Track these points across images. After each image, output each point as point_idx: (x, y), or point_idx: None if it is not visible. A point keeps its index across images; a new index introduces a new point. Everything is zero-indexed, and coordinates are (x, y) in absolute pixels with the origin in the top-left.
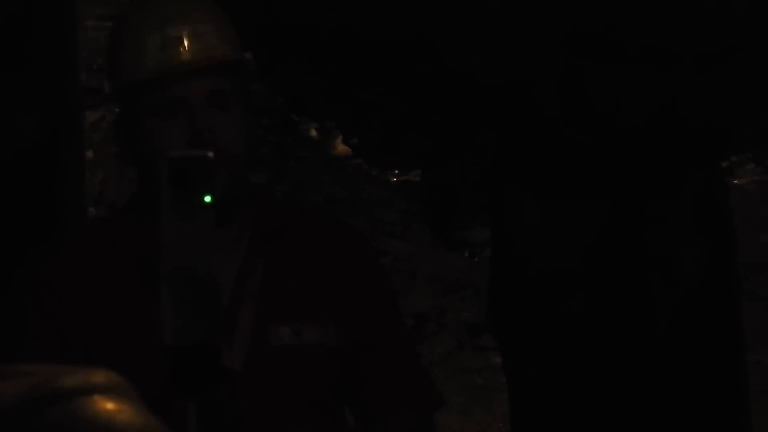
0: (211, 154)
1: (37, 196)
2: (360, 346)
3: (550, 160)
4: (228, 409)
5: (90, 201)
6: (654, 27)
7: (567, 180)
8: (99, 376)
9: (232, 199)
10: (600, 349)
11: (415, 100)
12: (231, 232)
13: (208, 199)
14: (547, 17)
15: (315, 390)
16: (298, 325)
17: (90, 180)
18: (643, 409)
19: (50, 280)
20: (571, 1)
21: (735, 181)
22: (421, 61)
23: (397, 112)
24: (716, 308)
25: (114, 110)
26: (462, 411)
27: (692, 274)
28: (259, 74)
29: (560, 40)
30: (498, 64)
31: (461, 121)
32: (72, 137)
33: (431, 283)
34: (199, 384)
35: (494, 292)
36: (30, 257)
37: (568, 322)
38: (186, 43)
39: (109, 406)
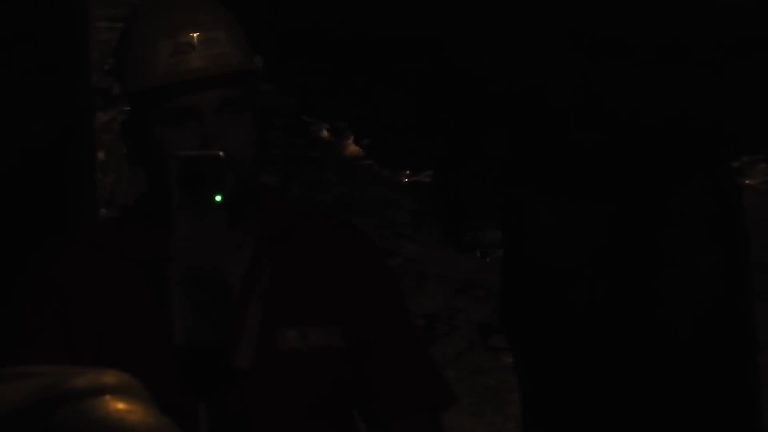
0: (221, 153)
1: (49, 198)
2: (367, 348)
3: (562, 161)
4: (235, 411)
5: (101, 202)
6: (665, 28)
7: (579, 181)
8: (110, 377)
9: (241, 204)
10: (612, 350)
11: (427, 101)
12: (238, 235)
13: (219, 198)
14: (559, 19)
15: (322, 392)
16: (304, 328)
17: (101, 181)
18: (656, 410)
19: (56, 280)
20: (583, 3)
21: (747, 182)
22: (432, 63)
23: (408, 114)
24: (729, 309)
25: (125, 111)
26: (473, 412)
27: (704, 275)
28: (270, 76)
29: (572, 41)
30: (510, 66)
31: (473, 123)
32: (83, 138)
33: (442, 284)
34: (210, 383)
35: (506, 293)
36: (37, 257)
37: (580, 323)
38: (198, 50)
39: (120, 406)
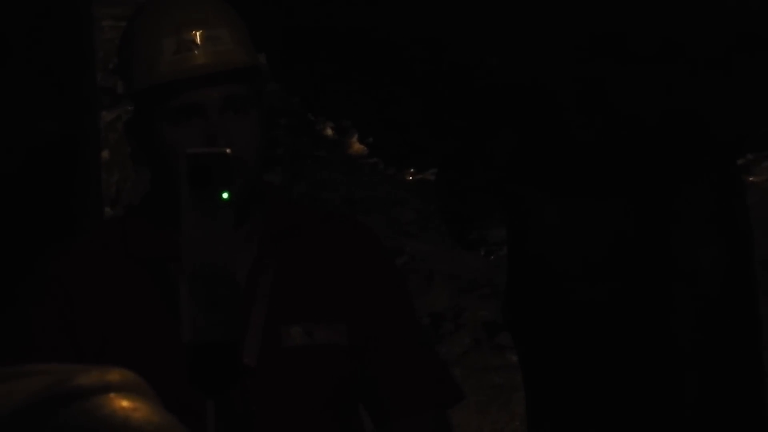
0: (229, 150)
1: (54, 197)
2: (373, 346)
3: (569, 160)
4: (241, 409)
5: (106, 201)
6: (670, 26)
7: (585, 180)
8: (115, 375)
9: (246, 202)
10: (618, 348)
11: (432, 99)
12: (242, 233)
13: (226, 195)
14: (567, 18)
15: (327, 390)
16: (309, 325)
17: (106, 180)
18: (662, 407)
19: (62, 279)
20: (591, 3)
21: (751, 179)
22: (437, 61)
23: (413, 112)
24: (734, 306)
25: (130, 110)
26: (479, 410)
27: (710, 272)
28: (274, 74)
29: (579, 40)
30: (516, 64)
31: (479, 122)
32: (88, 138)
33: (448, 283)
34: (219, 381)
35: (512, 292)
36: (43, 257)
37: (586, 321)
38: (201, 47)
39: (125, 404)
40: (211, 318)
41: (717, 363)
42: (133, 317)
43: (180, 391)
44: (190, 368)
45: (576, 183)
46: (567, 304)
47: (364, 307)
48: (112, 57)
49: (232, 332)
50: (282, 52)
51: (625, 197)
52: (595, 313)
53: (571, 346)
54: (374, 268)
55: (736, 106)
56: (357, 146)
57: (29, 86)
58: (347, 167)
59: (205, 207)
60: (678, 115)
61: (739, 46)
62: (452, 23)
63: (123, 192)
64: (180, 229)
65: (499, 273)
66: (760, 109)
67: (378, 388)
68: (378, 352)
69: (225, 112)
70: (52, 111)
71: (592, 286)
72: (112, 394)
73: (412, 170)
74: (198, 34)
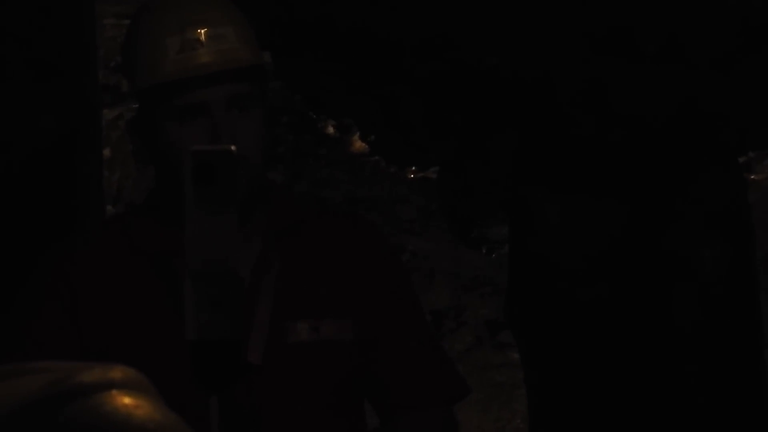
0: (233, 147)
1: (56, 195)
2: (378, 341)
3: (571, 158)
4: (246, 405)
5: (108, 199)
6: (673, 24)
7: (587, 179)
8: (117, 372)
9: (250, 200)
10: (620, 346)
11: (434, 97)
12: (247, 229)
13: (228, 193)
14: (568, 17)
15: (333, 385)
16: (315, 321)
17: (108, 178)
18: (663, 405)
19: (67, 275)
20: (592, 1)
21: (753, 177)
22: (440, 59)
23: (415, 110)
24: (735, 304)
25: (132, 108)
26: (481, 408)
27: (711, 270)
28: (276, 72)
29: (580, 39)
30: (518, 62)
31: (481, 120)
32: (90, 135)
33: (450, 280)
34: (223, 378)
35: (514, 289)
36: (48, 253)
37: (588, 319)
38: (206, 46)
39: (127, 401)
40: (215, 316)
41: (719, 361)
42: (138, 313)
43: (184, 386)
44: (194, 366)
45: (578, 181)
46: (569, 302)
47: (370, 302)
48: (113, 55)
49: (236, 330)
50: (284, 50)
51: (627, 196)
52: (597, 312)
53: (572, 343)
54: (379, 263)
55: (738, 104)
56: (358, 144)
57: (31, 84)
58: (349, 165)
59: (209, 204)
60: (680, 114)
61: (740, 44)
62: (454, 22)
63: (124, 190)
64: (184, 226)
65: (501, 271)
66: (762, 107)
67: (384, 383)
68: (384, 348)
69: (229, 110)
70: (54, 109)
71: (594, 284)
72: (114, 391)
73: (413, 168)
74: (202, 32)
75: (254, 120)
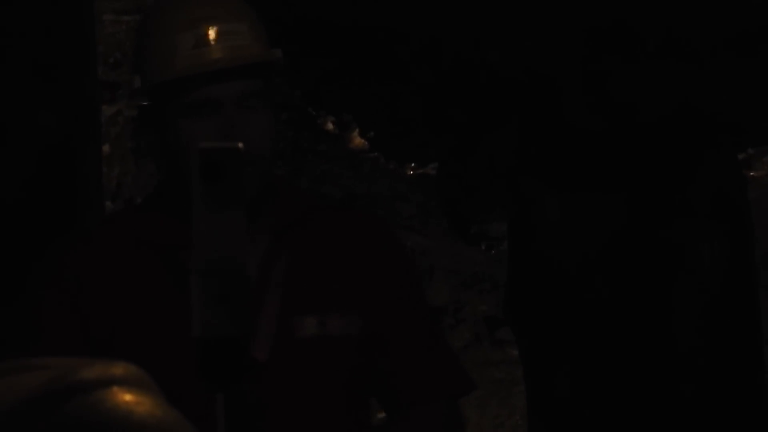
0: (241, 145)
1: (56, 191)
2: (385, 336)
3: (571, 154)
4: (253, 399)
5: (107, 195)
6: (673, 22)
7: (587, 175)
8: (118, 368)
9: (260, 196)
10: (619, 342)
11: (433, 93)
12: (255, 225)
13: (235, 190)
14: (568, 13)
15: (339, 380)
16: (323, 316)
17: (107, 174)
18: (662, 401)
19: (73, 268)
20: None
21: (752, 174)
22: (439, 55)
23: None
24: (734, 300)
25: (132, 105)
26: (479, 404)
27: (710, 266)
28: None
29: (581, 35)
30: (518, 59)
31: (481, 116)
32: (89, 132)
33: (449, 277)
34: (228, 375)
35: (513, 286)
36: (54, 245)
37: (587, 316)
38: (218, 42)
39: (128, 398)
40: (221, 312)
41: (718, 357)
42: (143, 306)
43: (190, 380)
44: (200, 362)
45: (578, 177)
46: (568, 298)
47: (377, 297)
48: (112, 51)
49: (242, 327)
50: (283, 46)
51: (627, 191)
52: (596, 308)
53: (571, 340)
54: (387, 258)
55: (737, 100)
56: (358, 141)
57: (31, 80)
58: (348, 162)
59: (216, 201)
60: (679, 110)
61: (740, 40)
62: (454, 18)
63: (124, 186)
64: (191, 221)
65: (500, 268)
66: (761, 104)
67: (390, 378)
68: (390, 343)
69: (240, 107)
70: (54, 105)
71: (594, 280)
72: (115, 388)
73: (413, 165)
74: (215, 29)
75: (265, 116)
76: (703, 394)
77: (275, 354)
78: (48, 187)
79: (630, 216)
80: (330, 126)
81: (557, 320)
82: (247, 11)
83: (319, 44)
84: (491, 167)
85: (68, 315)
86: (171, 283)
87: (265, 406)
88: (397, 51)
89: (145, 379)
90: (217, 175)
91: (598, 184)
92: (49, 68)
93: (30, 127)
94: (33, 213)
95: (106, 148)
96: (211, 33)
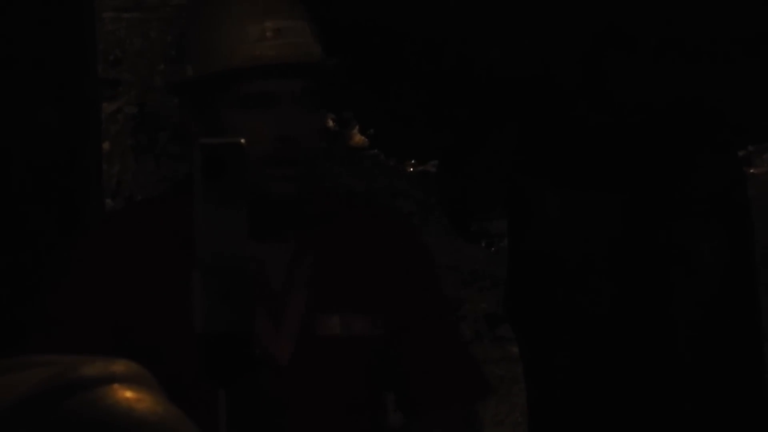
0: (242, 140)
1: (56, 189)
2: (406, 337)
3: (572, 152)
4: (273, 399)
5: (107, 193)
6: (674, 19)
7: (588, 173)
8: (118, 366)
9: (307, 197)
10: (618, 341)
11: (433, 90)
12: (287, 223)
13: (237, 186)
14: (569, 10)
15: (359, 380)
16: (346, 316)
17: (107, 172)
18: (663, 401)
19: (97, 255)
20: None
21: (752, 171)
22: (439, 52)
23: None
24: (735, 299)
25: (131, 103)
26: None
27: (711, 265)
28: None
29: (581, 32)
30: (518, 56)
31: (481, 113)
32: (90, 129)
33: (449, 274)
34: (231, 372)
35: (513, 284)
36: (79, 234)
37: (587, 315)
38: (283, 37)
39: (129, 395)
40: (223, 309)
41: (718, 355)
42: (166, 294)
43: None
44: (202, 359)
45: (578, 175)
46: (567, 296)
47: (401, 299)
48: (113, 49)
49: (245, 323)
50: None
51: (627, 190)
52: (596, 306)
53: (571, 338)
54: (411, 259)
55: (738, 98)
56: (358, 138)
57: (31, 78)
58: (348, 159)
59: (219, 197)
60: (680, 107)
61: (741, 37)
62: (453, 15)
63: (124, 183)
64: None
65: (500, 265)
66: (761, 101)
67: (409, 379)
68: (410, 344)
69: (296, 105)
70: (54, 103)
71: (594, 278)
72: (115, 385)
73: (413, 162)
74: (279, 23)
75: (317, 117)
76: (704, 392)
77: (297, 353)
78: (48, 184)
79: (630, 214)
80: (330, 123)
81: (557, 318)
82: (306, 11)
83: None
84: (491, 165)
85: (92, 303)
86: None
87: (285, 405)
88: (397, 48)
89: (146, 376)
90: (219, 172)
91: (598, 182)
92: (49, 65)
93: (30, 125)
94: (33, 210)
95: (105, 145)
96: (276, 27)
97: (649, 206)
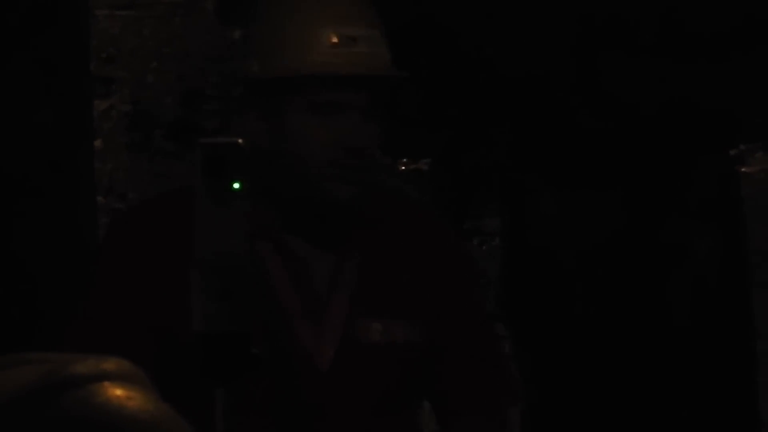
0: (241, 141)
1: (48, 186)
2: (442, 343)
3: (567, 150)
4: (311, 404)
5: (99, 190)
6: (667, 17)
7: (582, 171)
8: (110, 364)
9: (361, 205)
10: (612, 338)
11: (426, 89)
12: (340, 229)
13: (237, 185)
14: (564, 7)
15: (397, 386)
16: (388, 322)
17: (99, 169)
18: (655, 397)
19: (126, 253)
20: None
21: (744, 170)
22: (433, 50)
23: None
24: (728, 297)
25: (125, 101)
26: None
27: (704, 263)
28: None
29: (576, 30)
30: (514, 52)
31: (475, 112)
32: (82, 127)
33: None
34: (229, 371)
35: (508, 282)
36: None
37: (581, 312)
38: (359, 45)
39: (120, 392)
40: (222, 308)
41: (711, 353)
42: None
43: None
44: (200, 357)
45: (574, 173)
46: (562, 294)
47: (441, 306)
48: (106, 46)
49: (243, 322)
50: None
51: (622, 188)
52: (591, 303)
53: (566, 336)
54: (454, 266)
55: (732, 96)
56: None
57: (24, 75)
58: None
59: (218, 196)
60: (674, 106)
61: (733, 36)
62: (448, 13)
63: (116, 181)
64: (278, 207)
65: (494, 263)
66: (754, 100)
67: (442, 385)
68: (446, 350)
69: (362, 115)
70: (47, 100)
71: (588, 276)
72: (107, 383)
73: (405, 160)
74: (359, 30)
75: (379, 128)
76: (696, 389)
77: (337, 358)
78: (40, 182)
79: (626, 213)
80: None
81: (551, 316)
82: (379, 18)
83: None
84: (486, 163)
85: (126, 304)
86: None
87: (324, 409)
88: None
89: (137, 374)
90: (219, 170)
91: (594, 180)
92: (43, 63)
93: (23, 122)
94: (25, 207)
95: (98, 143)
96: (355, 34)
97: (644, 205)
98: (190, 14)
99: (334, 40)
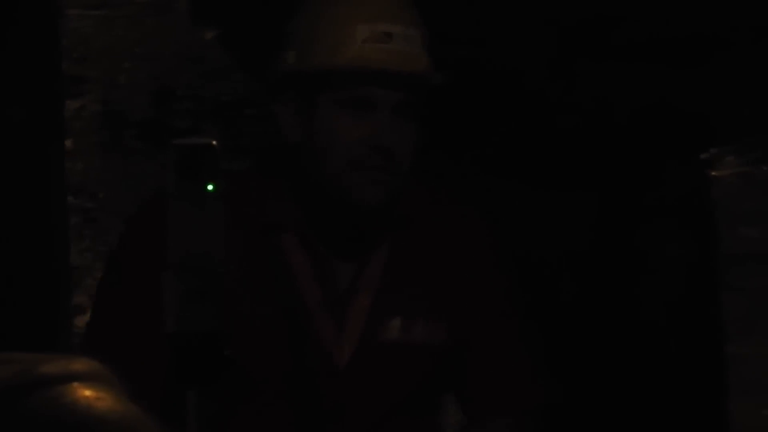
0: (215, 142)
1: (18, 185)
2: (469, 347)
3: (543, 152)
4: (330, 402)
5: (70, 190)
6: (642, 23)
7: (558, 173)
8: (79, 364)
9: (391, 207)
10: (587, 338)
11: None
12: (365, 226)
13: (210, 187)
14: (539, 8)
15: (416, 386)
16: (408, 320)
17: (70, 169)
18: (627, 398)
19: (144, 258)
20: None
21: (715, 174)
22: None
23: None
24: (697, 300)
25: (96, 100)
26: None
27: (675, 266)
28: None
29: (551, 32)
30: (488, 54)
31: (452, 114)
32: (53, 126)
33: None
34: (203, 372)
35: None
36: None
37: (557, 312)
38: (395, 42)
39: (88, 393)
40: (196, 308)
41: (679, 355)
42: (247, 284)
43: (278, 355)
44: (173, 359)
45: (549, 175)
46: (539, 295)
47: (468, 307)
48: (78, 46)
49: (216, 323)
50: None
51: (596, 190)
52: (566, 305)
53: (549, 336)
54: (484, 269)
55: (705, 100)
56: None
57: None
58: None
59: (192, 198)
60: (648, 110)
61: (707, 40)
62: (428, 14)
63: (88, 181)
64: (294, 204)
65: None
66: (725, 104)
67: (469, 386)
68: (472, 352)
69: (394, 113)
70: (18, 99)
71: (563, 278)
72: (75, 384)
73: None
74: (395, 27)
75: (413, 129)
76: (667, 390)
77: (356, 356)
78: (9, 181)
79: (601, 215)
80: None
81: (534, 316)
82: (421, 20)
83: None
84: (464, 165)
85: (146, 312)
86: (267, 262)
87: (341, 408)
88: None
89: (107, 375)
90: (193, 172)
91: (569, 183)
92: (14, 62)
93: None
94: None
95: (68, 143)
96: (392, 31)
97: (618, 207)
98: (161, 14)
99: (367, 35)
